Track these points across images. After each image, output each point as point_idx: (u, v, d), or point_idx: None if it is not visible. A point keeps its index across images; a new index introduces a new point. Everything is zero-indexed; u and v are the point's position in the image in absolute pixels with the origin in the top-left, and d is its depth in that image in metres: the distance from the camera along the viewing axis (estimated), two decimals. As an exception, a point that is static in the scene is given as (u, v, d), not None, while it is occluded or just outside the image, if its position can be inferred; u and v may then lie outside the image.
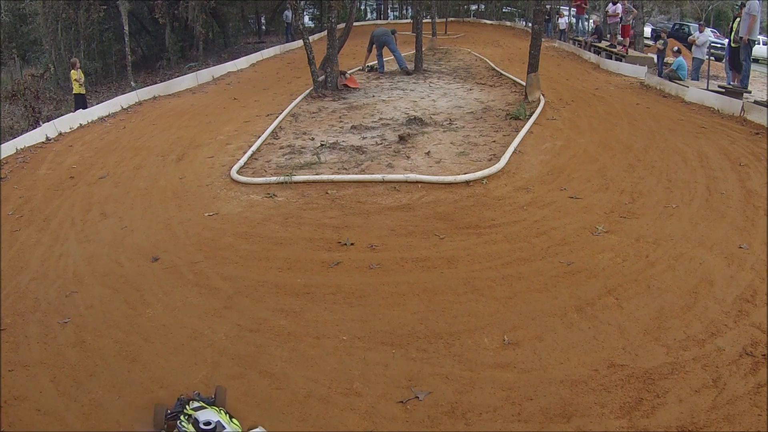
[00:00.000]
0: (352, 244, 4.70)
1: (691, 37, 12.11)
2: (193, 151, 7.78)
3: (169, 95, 12.36)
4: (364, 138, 7.66)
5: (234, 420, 2.66)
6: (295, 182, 6.10)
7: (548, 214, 5.11)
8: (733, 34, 9.57)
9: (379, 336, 3.47)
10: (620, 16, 14.41)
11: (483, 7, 29.97)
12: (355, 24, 16.66)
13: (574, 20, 20.46)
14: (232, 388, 3.04)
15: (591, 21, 18.03)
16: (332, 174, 6.26)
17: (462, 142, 7.24)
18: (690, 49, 12.00)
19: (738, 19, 9.29)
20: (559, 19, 21.22)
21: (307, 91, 10.85)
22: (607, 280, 3.96)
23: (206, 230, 5.21)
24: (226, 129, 8.85)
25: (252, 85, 12.86)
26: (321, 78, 11.00)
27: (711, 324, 3.41)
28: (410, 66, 13.20)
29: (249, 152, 7.27)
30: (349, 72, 12.05)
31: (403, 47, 14.93)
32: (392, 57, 13.05)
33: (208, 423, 2.58)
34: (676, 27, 23.01)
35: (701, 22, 13.45)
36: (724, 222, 4.76)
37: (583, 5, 17.74)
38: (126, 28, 14.93)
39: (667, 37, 14.37)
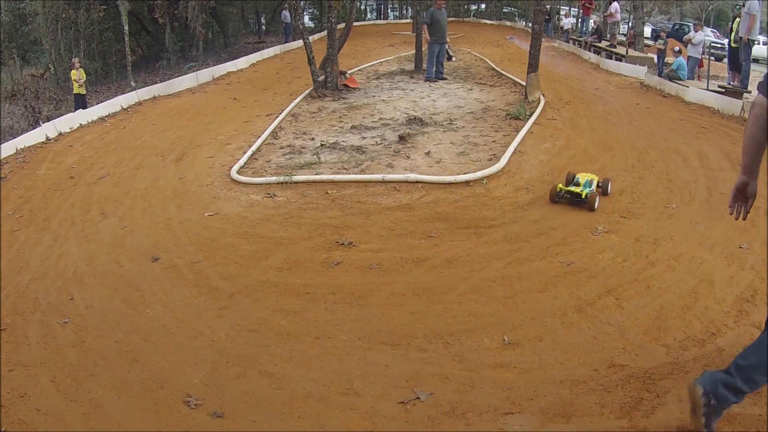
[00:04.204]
0: (352, 243, 4.70)
1: (687, 36, 12.14)
2: (193, 151, 7.78)
3: (169, 95, 12.36)
4: (364, 138, 7.65)
5: None
6: (295, 182, 6.10)
7: (548, 214, 5.11)
8: (733, 34, 9.58)
9: (379, 336, 3.46)
10: (617, 15, 14.44)
11: (483, 7, 29.98)
12: (355, 24, 16.65)
13: (574, 21, 20.46)
14: (232, 388, 3.04)
15: (591, 21, 18.04)
16: (332, 174, 6.26)
17: (462, 142, 7.24)
18: (686, 46, 12.03)
19: (738, 19, 9.31)
20: (565, 18, 21.22)
21: (307, 91, 10.85)
22: (607, 280, 3.95)
23: (206, 230, 5.21)
24: (226, 129, 8.85)
25: (252, 85, 12.86)
26: (321, 78, 10.99)
27: (711, 324, 3.41)
28: (410, 66, 13.20)
29: (249, 152, 7.27)
30: (349, 72, 12.05)
31: (404, 47, 14.94)
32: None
33: None
34: (676, 27, 23.02)
35: (697, 22, 13.49)
36: (724, 222, 4.76)
37: (588, 5, 17.74)
38: (126, 28, 14.92)
39: (667, 37, 14.39)
